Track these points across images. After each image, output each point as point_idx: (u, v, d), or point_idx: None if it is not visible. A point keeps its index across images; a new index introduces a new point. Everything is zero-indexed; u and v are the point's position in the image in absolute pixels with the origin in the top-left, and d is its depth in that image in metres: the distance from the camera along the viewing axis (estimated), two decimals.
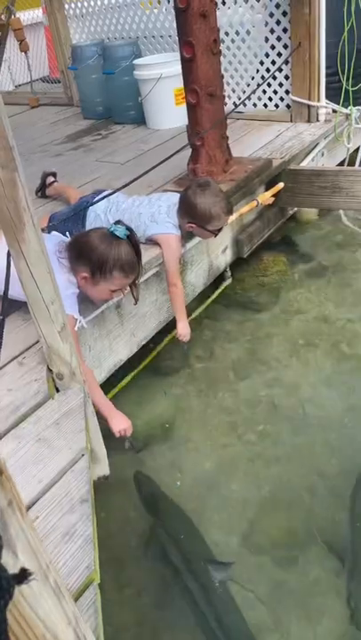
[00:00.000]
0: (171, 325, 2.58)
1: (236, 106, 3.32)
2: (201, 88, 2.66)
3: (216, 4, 2.61)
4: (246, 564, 1.76)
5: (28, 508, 1.40)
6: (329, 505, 1.89)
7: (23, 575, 0.55)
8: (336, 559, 1.72)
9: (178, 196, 2.46)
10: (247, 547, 1.81)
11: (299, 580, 1.70)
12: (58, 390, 1.80)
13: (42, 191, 3.15)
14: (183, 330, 2.46)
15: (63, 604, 0.77)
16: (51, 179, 3.15)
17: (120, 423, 1.96)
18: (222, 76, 2.80)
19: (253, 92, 3.69)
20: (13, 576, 0.54)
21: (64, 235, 2.58)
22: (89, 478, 1.50)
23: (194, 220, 2.35)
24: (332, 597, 1.64)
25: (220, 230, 2.43)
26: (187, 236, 2.48)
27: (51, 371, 1.79)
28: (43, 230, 1.75)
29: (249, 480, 2.02)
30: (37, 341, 1.86)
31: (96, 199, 2.42)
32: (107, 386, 2.37)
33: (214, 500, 1.98)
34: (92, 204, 2.42)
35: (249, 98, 3.80)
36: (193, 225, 2.37)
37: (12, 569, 0.57)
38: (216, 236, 2.46)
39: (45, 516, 1.39)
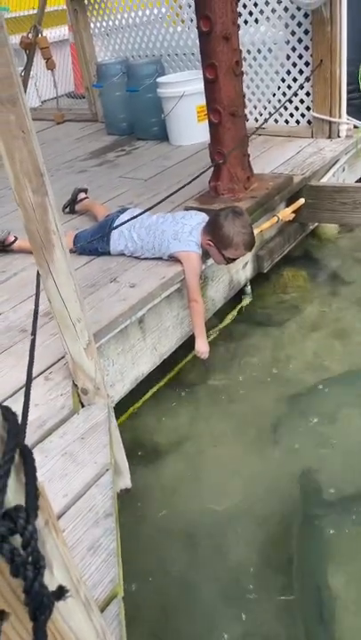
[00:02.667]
0: (193, 340, 2.62)
1: (259, 125, 3.37)
2: (224, 108, 2.72)
3: (239, 26, 2.67)
4: None
5: None
6: None
7: (61, 592, 0.59)
8: None
9: (203, 215, 2.52)
10: None
11: None
12: (83, 405, 1.85)
13: (70, 207, 3.24)
14: (202, 347, 2.48)
15: (92, 617, 0.81)
16: (82, 195, 3.23)
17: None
18: (244, 95, 2.85)
19: (276, 110, 3.74)
20: (52, 593, 0.58)
21: (91, 252, 2.66)
22: (113, 493, 1.54)
23: (214, 239, 2.40)
24: None
25: (233, 260, 2.48)
26: (207, 253, 2.53)
27: (76, 386, 1.84)
28: (70, 251, 1.81)
29: (270, 496, 2.04)
30: (63, 357, 1.92)
31: (120, 222, 2.49)
32: (128, 399, 2.42)
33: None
34: (117, 228, 2.49)
35: (270, 114, 3.85)
36: (211, 243, 2.41)
37: (50, 585, 0.61)
38: (227, 264, 2.51)
39: (71, 530, 1.43)
